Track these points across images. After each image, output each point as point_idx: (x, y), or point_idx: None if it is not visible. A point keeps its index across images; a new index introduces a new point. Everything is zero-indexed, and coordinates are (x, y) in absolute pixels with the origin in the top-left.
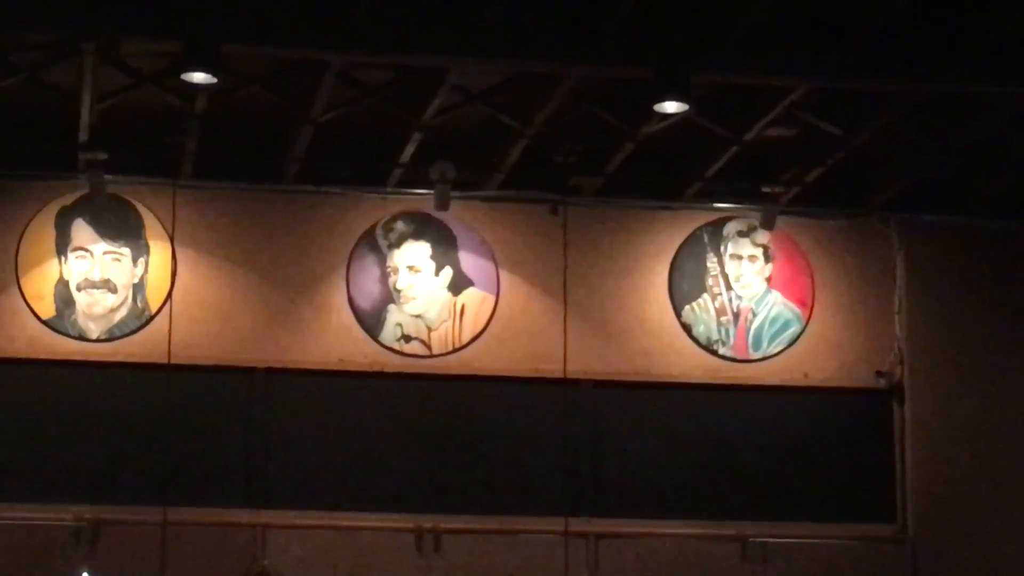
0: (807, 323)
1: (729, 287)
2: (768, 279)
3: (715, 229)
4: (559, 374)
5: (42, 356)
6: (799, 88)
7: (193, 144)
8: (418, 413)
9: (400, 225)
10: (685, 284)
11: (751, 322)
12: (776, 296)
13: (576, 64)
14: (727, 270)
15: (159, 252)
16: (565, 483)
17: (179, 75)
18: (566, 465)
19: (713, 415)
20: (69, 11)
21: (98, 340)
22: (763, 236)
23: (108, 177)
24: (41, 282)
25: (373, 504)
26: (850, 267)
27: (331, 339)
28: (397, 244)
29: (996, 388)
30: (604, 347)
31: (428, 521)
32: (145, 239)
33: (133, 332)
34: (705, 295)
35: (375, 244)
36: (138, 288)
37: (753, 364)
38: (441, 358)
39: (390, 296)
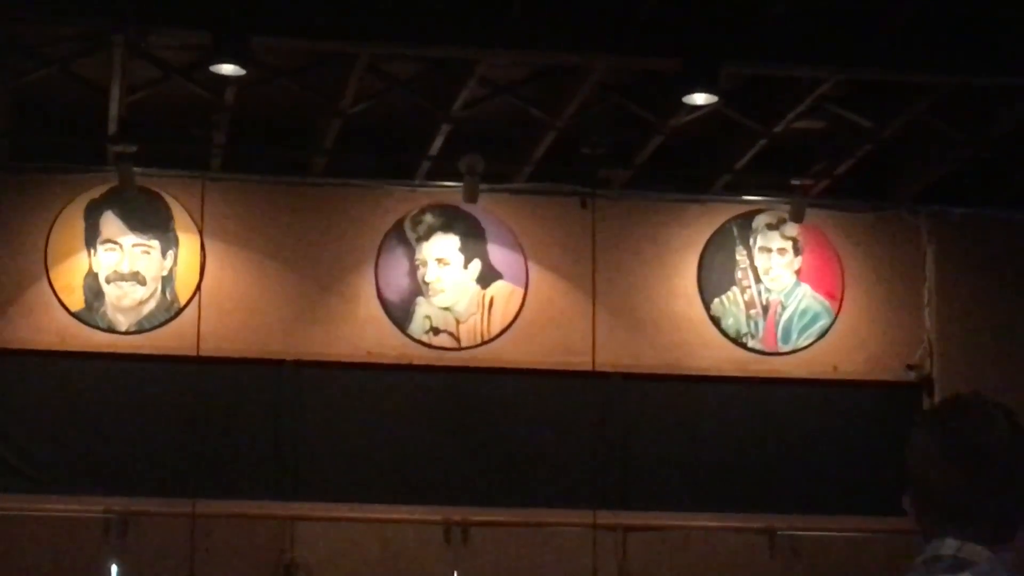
0: (836, 316)
1: (758, 280)
2: (797, 272)
3: (744, 222)
4: (588, 367)
5: (71, 348)
6: (828, 80)
7: (222, 136)
8: (447, 406)
9: (429, 218)
10: (714, 277)
11: (780, 315)
12: (805, 289)
13: (604, 56)
14: (756, 263)
15: (188, 244)
16: (594, 476)
17: (208, 67)
18: (595, 458)
19: (742, 408)
20: (98, 2)
21: (127, 332)
22: (792, 229)
23: (137, 169)
24: (70, 274)
25: (402, 496)
26: (880, 260)
27: (359, 332)
28: (426, 237)
29: None
30: (633, 340)
31: (457, 514)
32: (174, 231)
33: (162, 324)
34: (734, 288)
35: (403, 237)
36: (167, 280)
37: (782, 357)
38: (470, 351)
39: (419, 289)
